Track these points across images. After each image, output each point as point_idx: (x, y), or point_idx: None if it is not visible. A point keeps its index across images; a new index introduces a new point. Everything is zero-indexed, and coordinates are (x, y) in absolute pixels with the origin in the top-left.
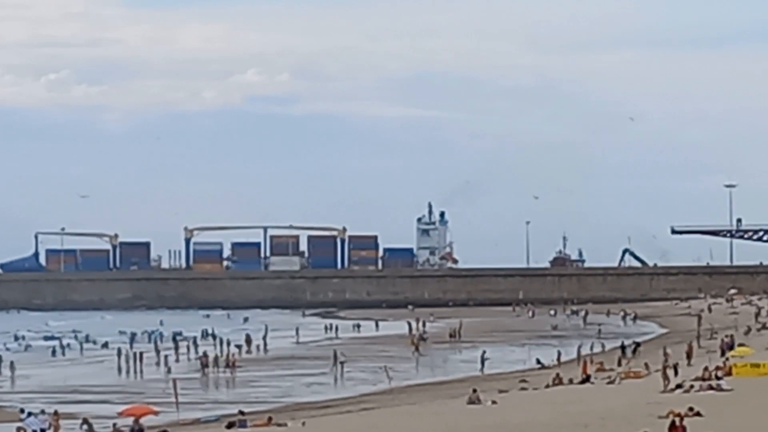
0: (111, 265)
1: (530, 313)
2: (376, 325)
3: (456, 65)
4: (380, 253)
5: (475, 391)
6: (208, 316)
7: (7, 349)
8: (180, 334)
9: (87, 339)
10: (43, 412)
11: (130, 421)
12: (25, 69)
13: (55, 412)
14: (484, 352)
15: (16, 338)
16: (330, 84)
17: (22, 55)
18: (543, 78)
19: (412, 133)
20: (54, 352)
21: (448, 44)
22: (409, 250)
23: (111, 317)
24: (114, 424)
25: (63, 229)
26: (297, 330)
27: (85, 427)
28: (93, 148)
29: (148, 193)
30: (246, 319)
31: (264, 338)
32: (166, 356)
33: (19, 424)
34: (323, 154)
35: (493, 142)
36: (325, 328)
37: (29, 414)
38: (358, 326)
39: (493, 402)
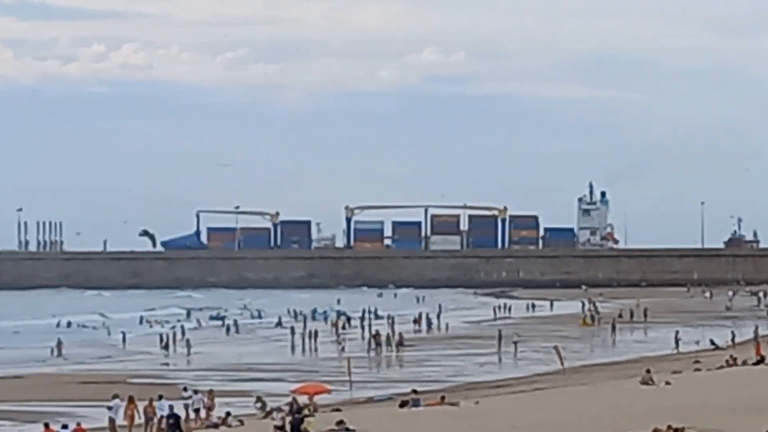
0: (272, 243)
1: (708, 294)
2: (551, 305)
3: (633, 46)
4: (541, 232)
5: (648, 371)
6: (380, 294)
7: (176, 328)
8: (343, 313)
9: (260, 316)
10: (196, 392)
11: (301, 398)
12: (204, 47)
13: (210, 391)
14: (677, 332)
15: (213, 317)
16: (506, 64)
17: (200, 33)
18: (721, 60)
19: (586, 113)
20: (228, 330)
21: (625, 24)
22: (570, 230)
23: (285, 295)
24: (290, 402)
25: (237, 207)
26: (468, 310)
27: (258, 404)
28: (269, 126)
29: (311, 171)
30: (420, 299)
31: (438, 317)
32: (338, 335)
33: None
34: (495, 134)
35: (667, 123)
36: (498, 307)
37: (186, 389)
38: (533, 306)
39: (667, 383)
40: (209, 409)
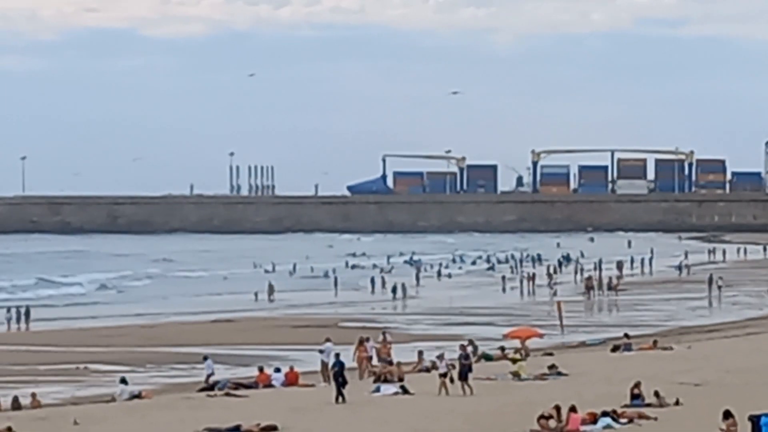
0: (457, 188)
1: None
2: (764, 250)
3: None
4: (728, 176)
5: None
6: (592, 239)
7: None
8: (567, 256)
9: (474, 262)
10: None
11: (516, 343)
12: None
13: (383, 338)
14: None
15: (455, 260)
16: (719, 6)
17: None
18: None
19: None
20: (439, 274)
21: None
22: (757, 174)
23: (496, 239)
24: (501, 348)
25: (449, 151)
26: (685, 254)
27: (470, 348)
28: (480, 69)
29: (498, 115)
30: (630, 243)
31: (650, 262)
32: (550, 279)
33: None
34: (699, 78)
35: None
36: (709, 252)
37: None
38: (744, 250)
39: None
40: (383, 355)
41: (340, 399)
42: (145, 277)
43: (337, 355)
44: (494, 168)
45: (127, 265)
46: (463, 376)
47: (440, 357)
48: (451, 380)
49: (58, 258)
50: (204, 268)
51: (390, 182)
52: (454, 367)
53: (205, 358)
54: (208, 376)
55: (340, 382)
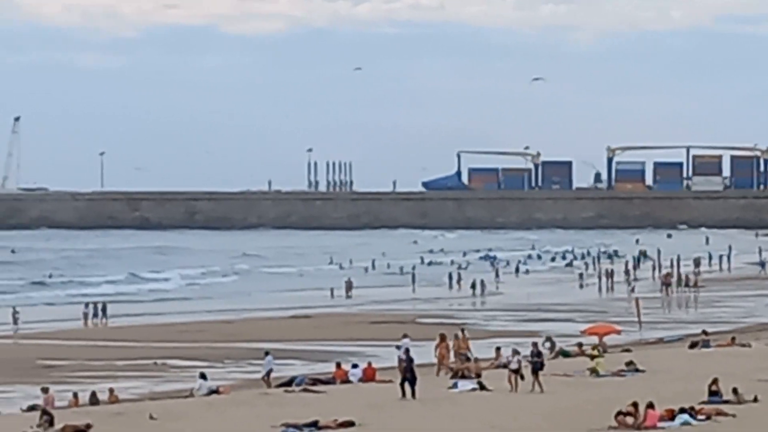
0: (532, 184)
1: None
2: None
3: None
4: None
5: None
6: (670, 236)
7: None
8: (644, 253)
9: (553, 258)
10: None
11: (594, 339)
12: None
13: (460, 335)
14: None
15: (532, 257)
16: None
17: None
18: None
19: None
20: (517, 270)
21: None
22: None
23: (574, 235)
24: (579, 344)
25: (527, 148)
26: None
27: (548, 344)
28: (557, 66)
29: (573, 112)
30: (708, 239)
31: (728, 258)
32: (628, 276)
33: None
34: None
35: None
36: None
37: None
38: None
39: None
40: (461, 351)
41: (408, 395)
42: (233, 273)
43: (407, 351)
44: (569, 164)
45: (216, 261)
46: (535, 373)
47: (514, 353)
48: (521, 377)
49: (146, 254)
50: (290, 264)
51: (465, 178)
52: (525, 364)
53: (267, 353)
54: (269, 372)
55: (408, 378)
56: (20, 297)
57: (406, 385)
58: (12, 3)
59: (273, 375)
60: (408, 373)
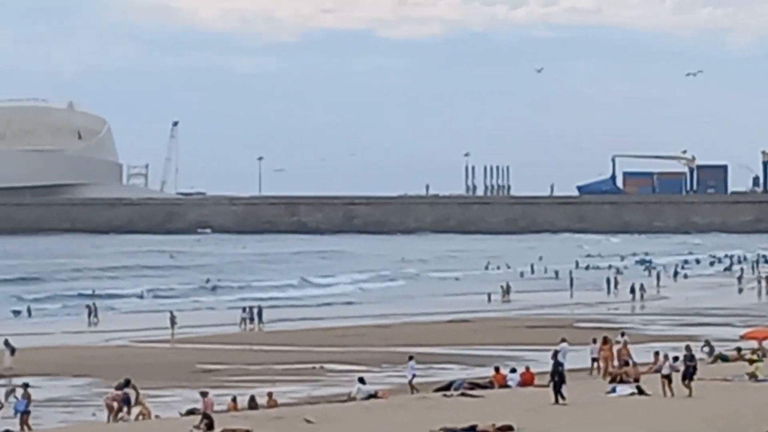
0: (687, 188)
1: None
2: None
3: None
4: None
5: None
6: None
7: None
8: None
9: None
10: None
11: (753, 344)
12: None
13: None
14: None
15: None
16: None
17: None
18: None
19: None
20: (676, 274)
21: None
22: None
23: (733, 240)
24: (738, 348)
25: (685, 151)
26: None
27: (706, 348)
28: (713, 69)
29: (729, 115)
30: None
31: None
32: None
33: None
34: None
35: None
36: None
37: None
38: None
39: None
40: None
41: (560, 399)
42: (401, 278)
43: (555, 355)
44: (725, 168)
45: (382, 266)
46: (687, 377)
47: (667, 357)
48: (669, 381)
49: (313, 258)
50: (452, 268)
51: (619, 182)
52: (677, 369)
53: (410, 358)
54: (412, 377)
55: (556, 382)
56: (187, 302)
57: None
58: (170, 8)
59: (431, 379)
60: (556, 376)
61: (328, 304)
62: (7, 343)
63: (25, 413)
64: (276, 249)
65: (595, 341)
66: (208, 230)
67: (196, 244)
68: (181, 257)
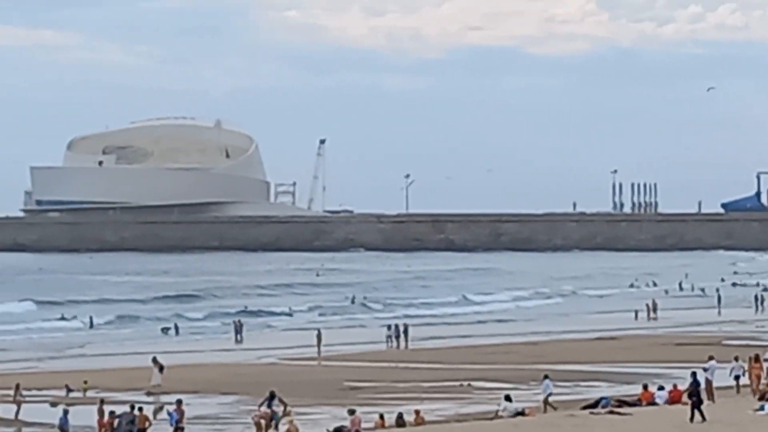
0: None
1: None
2: None
3: None
4: None
5: None
6: None
7: None
8: None
9: None
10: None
11: None
12: None
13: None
14: None
15: None
16: None
17: None
18: None
19: None
20: None
21: None
22: None
23: None
24: None
25: None
26: None
27: None
28: None
29: None
30: None
31: None
32: None
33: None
34: None
35: None
36: None
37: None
38: None
39: None
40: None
41: (698, 418)
42: (558, 295)
43: (693, 374)
44: None
45: (542, 283)
46: None
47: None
48: None
49: (470, 275)
50: (605, 285)
51: (764, 199)
52: None
53: (546, 377)
54: (547, 396)
55: (694, 401)
56: (337, 319)
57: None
58: (319, 27)
59: (578, 397)
60: (694, 397)
61: (482, 321)
62: (155, 360)
63: (178, 429)
64: (427, 266)
65: (737, 359)
66: (361, 249)
67: (345, 261)
68: (332, 275)
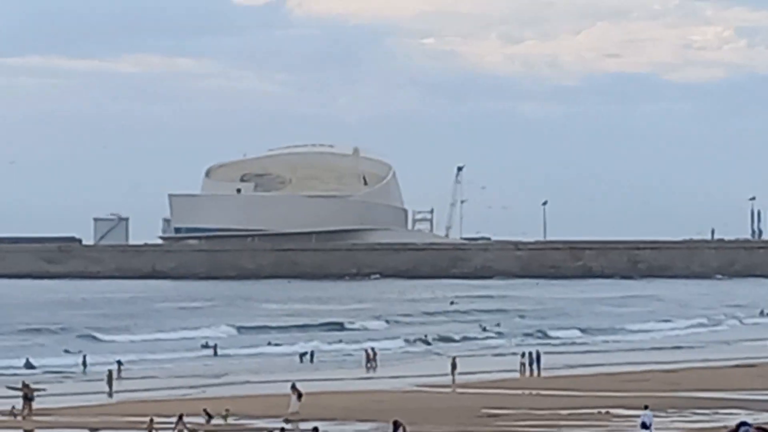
0: None
1: None
2: None
3: None
4: None
5: None
6: None
7: None
8: None
9: None
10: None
11: None
12: None
13: None
14: None
15: None
16: None
17: None
18: None
19: None
20: None
21: None
22: None
23: None
24: None
25: None
26: None
27: None
28: None
29: None
30: None
31: None
32: None
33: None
34: None
35: None
36: None
37: None
38: None
39: None
40: None
41: None
42: (724, 323)
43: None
44: None
45: (704, 313)
46: None
47: None
48: None
49: (627, 305)
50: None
51: None
52: None
53: (646, 407)
54: (647, 426)
55: None
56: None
57: None
58: (456, 55)
59: (716, 424)
60: None
61: (633, 350)
62: (294, 387)
63: None
64: (564, 294)
65: None
66: (498, 276)
67: (477, 288)
68: (467, 302)
